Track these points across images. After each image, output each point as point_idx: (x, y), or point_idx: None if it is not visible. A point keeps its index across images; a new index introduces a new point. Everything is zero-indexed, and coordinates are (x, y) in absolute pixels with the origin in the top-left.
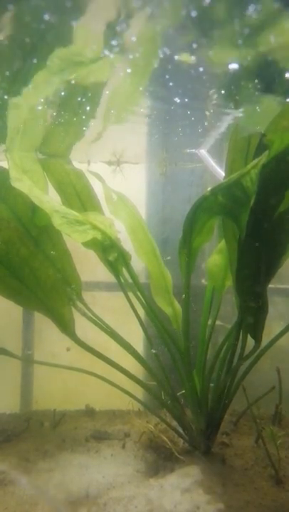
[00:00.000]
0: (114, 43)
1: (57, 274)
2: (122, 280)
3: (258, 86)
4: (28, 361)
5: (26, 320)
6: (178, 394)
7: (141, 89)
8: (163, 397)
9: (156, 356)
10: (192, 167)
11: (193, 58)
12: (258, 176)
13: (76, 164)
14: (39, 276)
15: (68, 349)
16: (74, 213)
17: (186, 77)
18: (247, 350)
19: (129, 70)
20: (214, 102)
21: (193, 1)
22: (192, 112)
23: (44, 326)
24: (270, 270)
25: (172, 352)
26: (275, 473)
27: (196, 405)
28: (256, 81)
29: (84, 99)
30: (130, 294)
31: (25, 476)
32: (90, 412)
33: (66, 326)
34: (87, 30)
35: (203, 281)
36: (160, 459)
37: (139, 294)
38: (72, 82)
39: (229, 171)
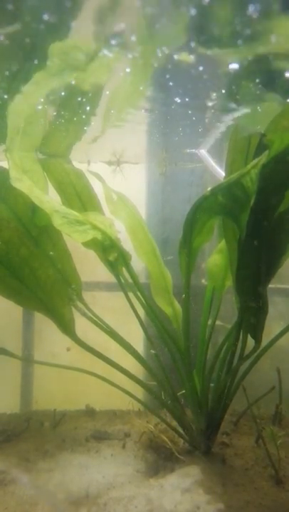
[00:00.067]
0: (113, 42)
1: (57, 274)
2: (122, 280)
3: (259, 85)
4: (28, 361)
5: (26, 320)
6: (178, 394)
7: (141, 88)
8: (163, 397)
9: (157, 356)
10: (192, 167)
11: (192, 57)
12: (258, 176)
13: (76, 164)
14: (39, 276)
15: (68, 349)
16: (74, 213)
17: (186, 76)
18: (247, 350)
19: (128, 70)
20: (215, 101)
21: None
22: (193, 112)
23: (44, 326)
24: (270, 270)
25: (172, 352)
26: (275, 473)
27: (196, 405)
28: (257, 80)
29: (84, 99)
30: (130, 294)
31: (25, 476)
32: (90, 412)
33: (66, 326)
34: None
35: (203, 281)
36: (160, 459)
37: (139, 294)
38: (73, 82)
39: (229, 170)
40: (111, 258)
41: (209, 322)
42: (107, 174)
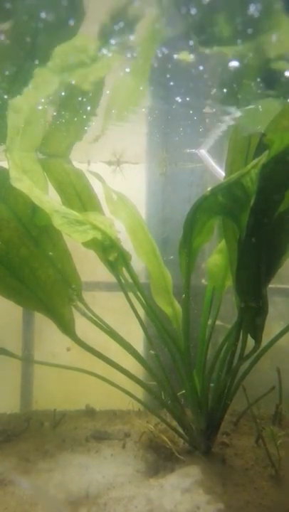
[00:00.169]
0: (112, 41)
1: (57, 274)
2: (122, 280)
3: (260, 85)
4: (28, 361)
5: (26, 320)
6: (178, 394)
7: (141, 88)
8: (163, 397)
9: (156, 356)
10: (192, 167)
11: (192, 57)
12: (258, 176)
13: (76, 164)
14: (39, 276)
15: (68, 349)
16: (74, 213)
17: (187, 75)
18: (247, 350)
19: (128, 70)
20: (215, 101)
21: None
22: (194, 112)
23: (44, 326)
24: (270, 270)
25: (172, 352)
26: (275, 473)
27: (196, 405)
28: (258, 79)
29: (84, 99)
30: (130, 294)
31: (25, 476)
32: (90, 412)
33: (66, 326)
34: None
35: (203, 281)
36: (160, 458)
37: (139, 294)
38: (73, 82)
39: (229, 170)
40: (111, 258)
41: (209, 322)
42: (107, 174)
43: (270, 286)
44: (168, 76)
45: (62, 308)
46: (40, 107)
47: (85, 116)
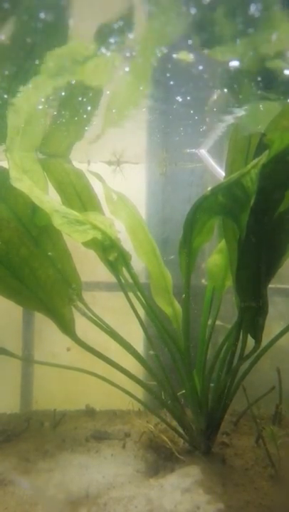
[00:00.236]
0: (112, 40)
1: (57, 274)
2: (122, 280)
3: (260, 84)
4: (28, 361)
5: (26, 320)
6: (178, 394)
7: (141, 88)
8: (163, 397)
9: (156, 356)
10: (192, 167)
11: (191, 56)
12: (258, 176)
13: (76, 164)
14: (39, 276)
15: (68, 349)
16: (74, 213)
17: (187, 75)
18: (247, 350)
19: (127, 69)
20: (216, 100)
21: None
22: (194, 111)
23: (44, 326)
24: (270, 270)
25: (172, 352)
26: (275, 473)
27: (196, 405)
28: (259, 79)
29: (85, 99)
30: (130, 294)
31: (25, 476)
32: (90, 412)
33: (66, 326)
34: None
35: (203, 281)
36: (160, 458)
37: (139, 294)
38: (73, 82)
39: (229, 170)
40: (111, 258)
41: (209, 322)
42: (107, 174)
43: (270, 286)
44: (168, 75)
45: (63, 308)
46: (40, 107)
47: (85, 116)
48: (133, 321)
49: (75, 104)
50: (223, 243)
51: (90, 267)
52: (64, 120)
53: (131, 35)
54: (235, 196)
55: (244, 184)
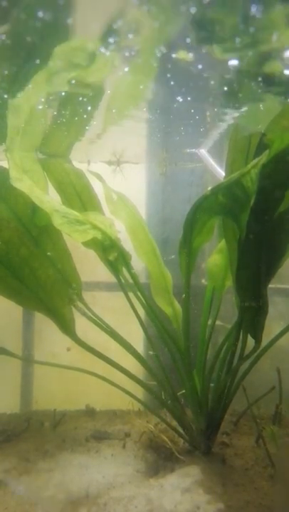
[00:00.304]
0: (111, 40)
1: (57, 274)
2: (122, 280)
3: (261, 84)
4: (28, 361)
5: (26, 320)
6: (178, 394)
7: (141, 88)
8: (163, 397)
9: (156, 356)
10: (192, 167)
11: (191, 56)
12: (258, 176)
13: (76, 164)
14: (39, 276)
15: (68, 349)
16: (74, 213)
17: (187, 75)
18: (247, 350)
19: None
20: (216, 100)
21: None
22: (195, 111)
23: (44, 326)
24: (270, 270)
25: (172, 352)
26: (275, 473)
27: (196, 405)
28: (259, 79)
29: (85, 99)
30: (130, 294)
31: (25, 476)
32: (90, 412)
33: (66, 326)
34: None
35: (203, 281)
36: (160, 458)
37: (139, 294)
38: (73, 82)
39: (229, 170)
40: (111, 258)
41: (209, 322)
42: (107, 174)
43: (270, 286)
44: (168, 75)
45: (63, 308)
46: (40, 107)
47: (85, 116)
48: (133, 321)
49: (76, 104)
50: (223, 243)
51: (90, 267)
52: (64, 120)
53: (131, 35)
54: (236, 196)
55: (244, 184)
